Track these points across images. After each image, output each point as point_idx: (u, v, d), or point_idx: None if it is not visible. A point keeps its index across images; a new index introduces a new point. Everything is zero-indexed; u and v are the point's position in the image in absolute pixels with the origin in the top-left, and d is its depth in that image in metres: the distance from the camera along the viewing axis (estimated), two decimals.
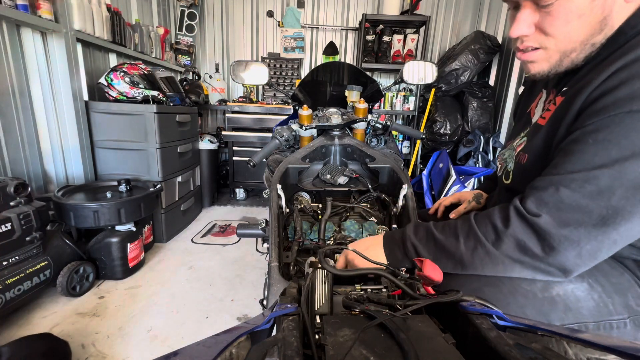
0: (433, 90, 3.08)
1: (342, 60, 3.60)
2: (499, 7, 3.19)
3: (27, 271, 1.39)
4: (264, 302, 0.92)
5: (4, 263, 1.31)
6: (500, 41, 3.00)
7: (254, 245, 1.34)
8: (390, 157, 1.05)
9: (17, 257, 1.36)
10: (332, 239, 0.86)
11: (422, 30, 3.19)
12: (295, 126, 1.10)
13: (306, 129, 1.08)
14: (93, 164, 2.06)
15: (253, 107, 3.14)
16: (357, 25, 3.43)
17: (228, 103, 3.26)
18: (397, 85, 2.68)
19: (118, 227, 1.74)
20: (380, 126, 1.15)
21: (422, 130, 3.17)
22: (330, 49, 3.48)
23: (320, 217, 0.92)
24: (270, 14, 3.48)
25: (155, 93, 2.09)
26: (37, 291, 1.44)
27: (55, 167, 1.89)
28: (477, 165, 2.84)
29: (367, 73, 1.37)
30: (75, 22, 1.84)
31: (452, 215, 0.94)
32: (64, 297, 1.58)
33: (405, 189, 0.89)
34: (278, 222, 0.80)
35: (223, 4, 3.49)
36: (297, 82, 3.54)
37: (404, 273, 0.48)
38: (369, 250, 0.67)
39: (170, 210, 2.27)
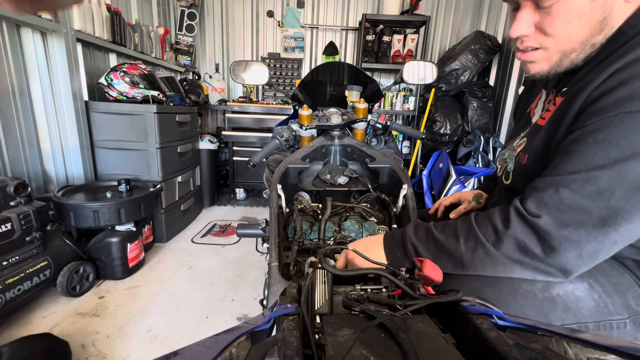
0: (433, 90, 3.08)
1: (342, 60, 3.60)
2: (499, 7, 3.19)
3: (27, 271, 1.39)
4: (264, 302, 0.91)
5: (4, 263, 1.31)
6: (500, 41, 3.00)
7: (254, 245, 1.34)
8: (390, 157, 1.05)
9: (17, 257, 1.36)
10: (332, 239, 0.86)
11: (422, 30, 3.19)
12: (295, 126, 1.09)
13: (306, 129, 1.08)
14: (93, 164, 2.06)
15: (253, 107, 3.14)
16: (357, 25, 3.43)
17: (228, 103, 3.26)
18: (397, 85, 2.68)
19: (118, 227, 1.74)
20: (380, 126, 1.15)
21: (422, 130, 3.17)
22: (330, 49, 3.48)
23: (320, 217, 0.92)
24: (270, 14, 3.48)
25: (155, 93, 2.09)
26: (37, 291, 1.44)
27: (55, 167, 1.89)
28: (477, 165, 2.84)
29: (367, 73, 1.37)
30: (75, 22, 1.84)
31: (452, 215, 0.94)
32: (64, 297, 1.58)
33: (405, 189, 0.89)
34: (278, 222, 0.80)
35: (223, 4, 3.49)
36: (297, 82, 3.54)
37: (404, 273, 0.48)
38: (369, 250, 0.67)
39: (170, 210, 2.27)
